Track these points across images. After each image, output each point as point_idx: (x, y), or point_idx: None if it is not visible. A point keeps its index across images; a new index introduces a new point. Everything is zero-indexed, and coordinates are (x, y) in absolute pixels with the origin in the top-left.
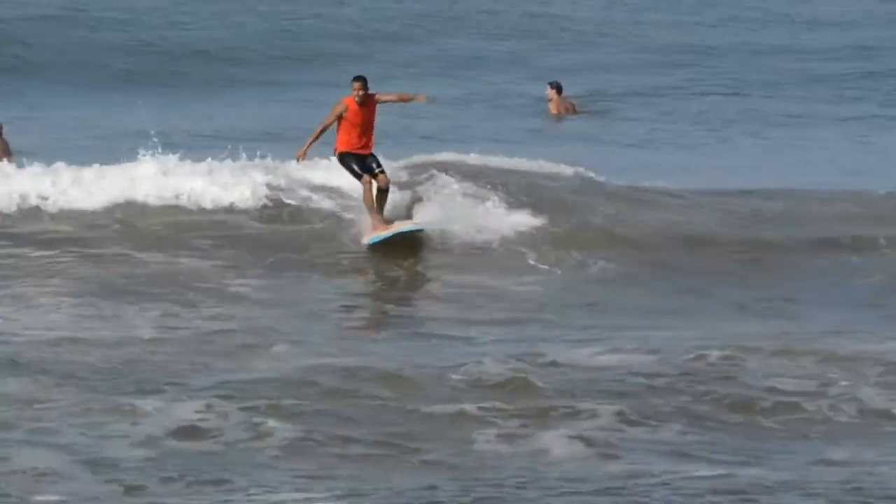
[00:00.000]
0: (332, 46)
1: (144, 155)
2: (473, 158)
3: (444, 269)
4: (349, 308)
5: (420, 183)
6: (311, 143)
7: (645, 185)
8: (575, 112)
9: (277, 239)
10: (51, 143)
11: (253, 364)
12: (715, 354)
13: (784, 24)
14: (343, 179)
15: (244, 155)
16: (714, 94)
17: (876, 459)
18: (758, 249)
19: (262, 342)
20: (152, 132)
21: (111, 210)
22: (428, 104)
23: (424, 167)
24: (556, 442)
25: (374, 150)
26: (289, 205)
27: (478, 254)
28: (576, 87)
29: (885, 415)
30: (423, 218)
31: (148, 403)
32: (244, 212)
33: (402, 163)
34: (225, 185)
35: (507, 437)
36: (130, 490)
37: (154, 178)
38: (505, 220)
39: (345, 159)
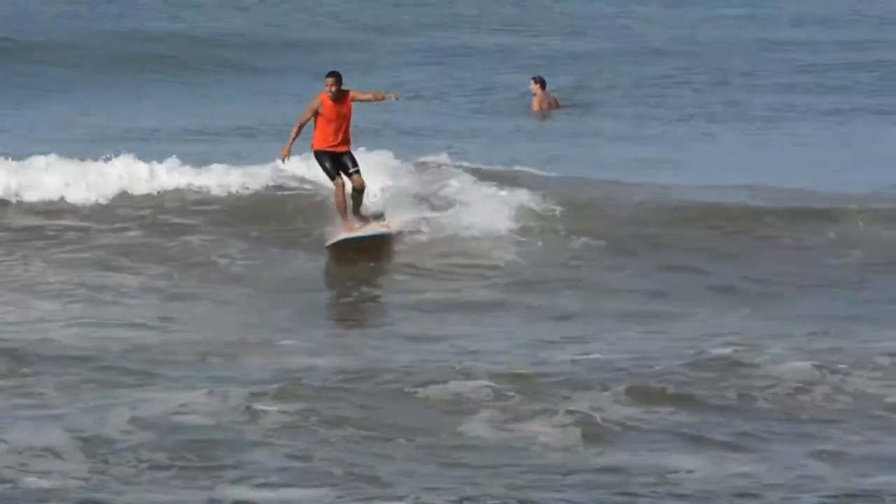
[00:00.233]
0: (318, 35)
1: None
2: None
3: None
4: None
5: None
6: (292, 141)
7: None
8: (558, 107)
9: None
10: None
11: (255, 350)
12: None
13: (769, 19)
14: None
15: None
16: (699, 87)
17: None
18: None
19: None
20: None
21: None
22: (398, 101)
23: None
24: (550, 430)
25: (350, 149)
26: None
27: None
28: (560, 78)
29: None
30: (403, 218)
31: (148, 388)
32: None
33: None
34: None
35: (502, 424)
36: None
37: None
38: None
39: (319, 157)
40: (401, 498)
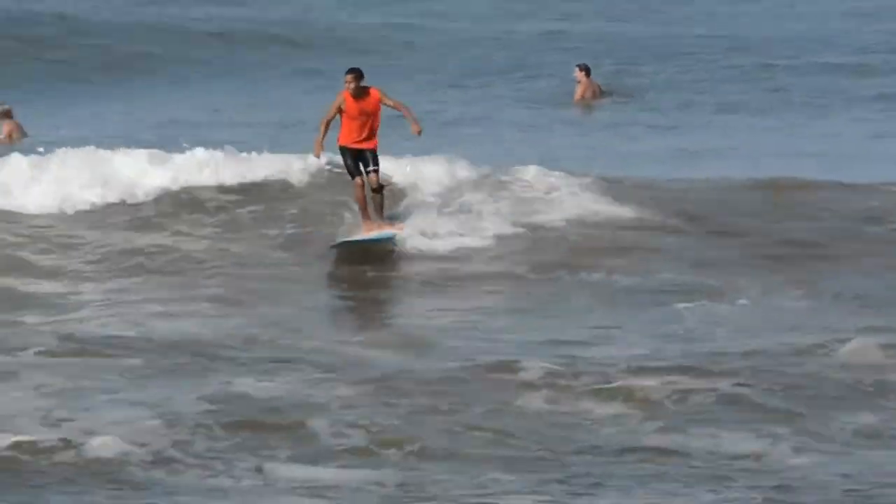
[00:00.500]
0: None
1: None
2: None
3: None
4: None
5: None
6: (321, 138)
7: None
8: (602, 95)
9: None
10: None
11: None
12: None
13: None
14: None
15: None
16: (744, 75)
17: None
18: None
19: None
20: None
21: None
22: (417, 135)
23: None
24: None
25: (375, 146)
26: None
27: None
28: (604, 67)
29: None
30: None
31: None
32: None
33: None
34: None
35: (561, 403)
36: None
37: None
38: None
39: (342, 153)
40: (468, 473)
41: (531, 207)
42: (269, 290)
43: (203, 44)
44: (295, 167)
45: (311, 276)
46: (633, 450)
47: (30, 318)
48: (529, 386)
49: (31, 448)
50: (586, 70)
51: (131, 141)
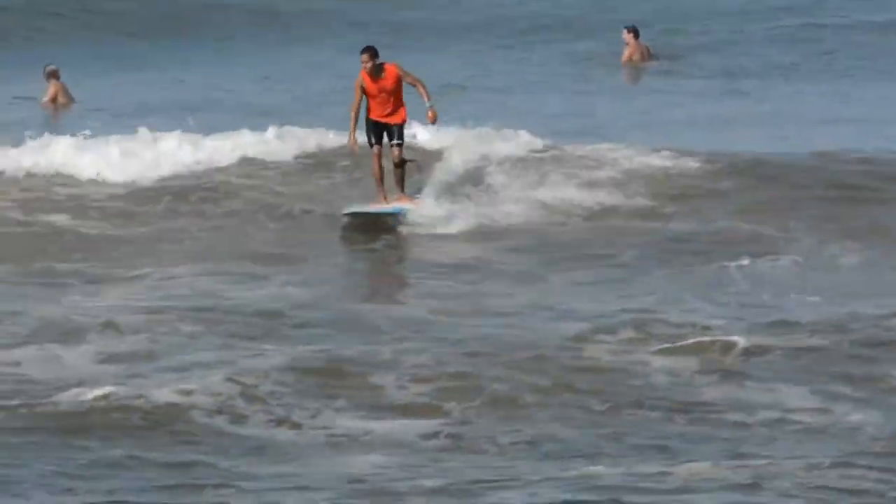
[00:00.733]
0: None
1: None
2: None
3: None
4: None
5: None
6: (353, 127)
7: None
8: (650, 57)
9: None
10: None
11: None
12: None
13: None
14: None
15: None
16: (791, 41)
17: None
18: None
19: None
20: None
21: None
22: (431, 123)
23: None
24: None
25: (401, 121)
26: None
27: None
28: (652, 28)
29: None
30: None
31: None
32: None
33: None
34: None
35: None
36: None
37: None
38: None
39: (366, 125)
40: (526, 428)
41: (579, 177)
42: (329, 257)
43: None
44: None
45: (372, 245)
46: (695, 407)
47: (98, 288)
48: (594, 343)
49: (104, 401)
50: (635, 32)
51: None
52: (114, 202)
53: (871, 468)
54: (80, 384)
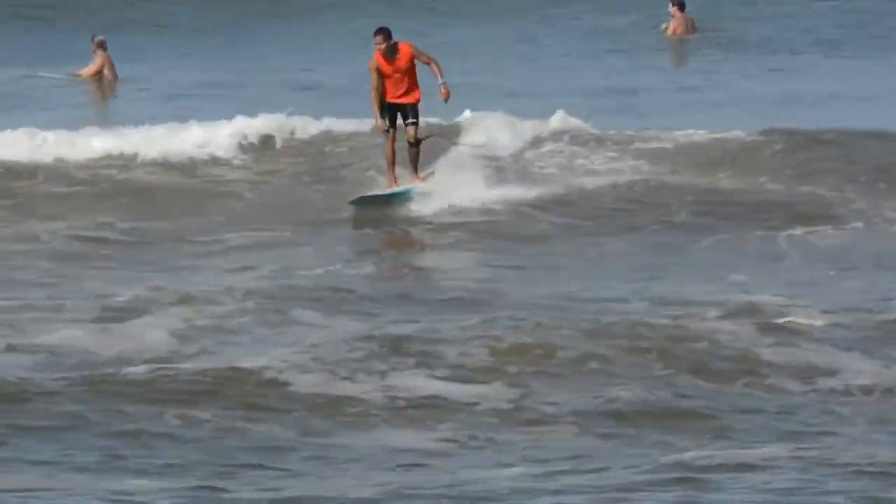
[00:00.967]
0: None
1: None
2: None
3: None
4: None
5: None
6: (378, 111)
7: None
8: (695, 31)
9: None
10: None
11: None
12: None
13: None
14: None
15: None
16: (839, 12)
17: None
18: None
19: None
20: None
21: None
22: (444, 100)
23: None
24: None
25: (415, 100)
26: None
27: None
28: (696, 1)
29: None
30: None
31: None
32: None
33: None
34: None
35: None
36: None
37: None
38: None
39: (381, 107)
40: (589, 392)
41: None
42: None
43: None
44: None
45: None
46: (754, 375)
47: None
48: (647, 311)
49: (172, 372)
50: (680, 5)
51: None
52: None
53: None
54: (153, 357)
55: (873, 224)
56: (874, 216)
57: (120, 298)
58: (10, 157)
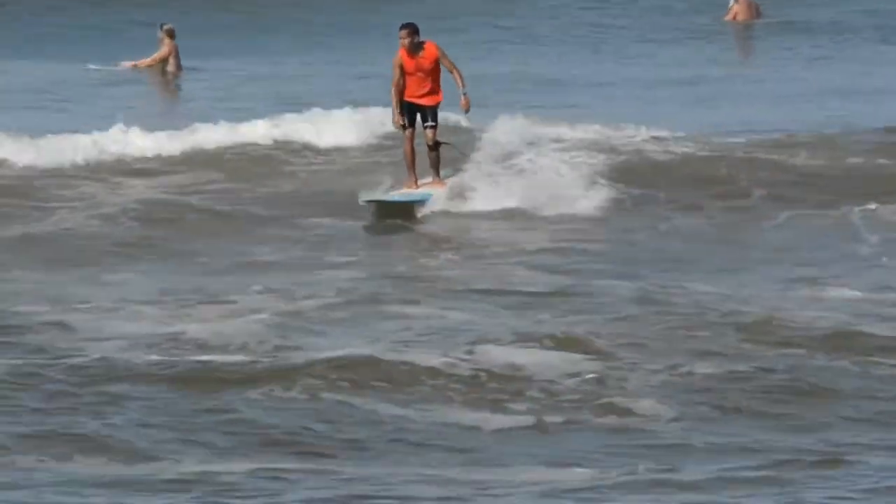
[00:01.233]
0: None
1: None
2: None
3: None
4: None
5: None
6: (396, 106)
7: None
8: (759, 16)
9: None
10: None
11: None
12: None
13: None
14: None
15: None
16: None
17: None
18: None
19: None
20: None
21: None
22: (464, 112)
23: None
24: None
25: (436, 103)
26: None
27: None
28: None
29: None
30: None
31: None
32: None
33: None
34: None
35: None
36: None
37: None
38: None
39: (401, 106)
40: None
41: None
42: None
43: None
44: None
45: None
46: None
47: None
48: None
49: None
50: None
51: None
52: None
53: None
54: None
55: None
56: None
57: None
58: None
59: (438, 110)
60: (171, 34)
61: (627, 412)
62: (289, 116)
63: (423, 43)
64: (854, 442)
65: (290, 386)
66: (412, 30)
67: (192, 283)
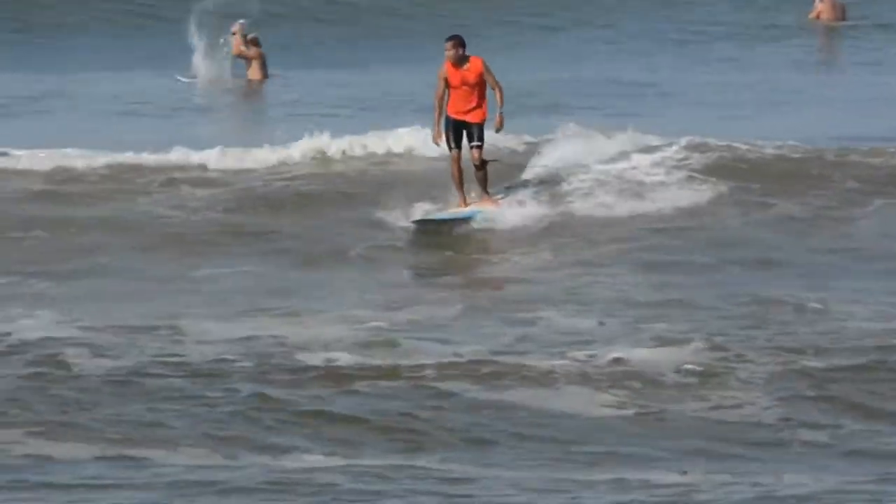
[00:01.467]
0: None
1: None
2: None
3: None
4: None
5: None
6: (437, 119)
7: None
8: (844, 18)
9: None
10: None
11: None
12: None
13: None
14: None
15: None
16: None
17: None
18: None
19: None
20: None
21: None
22: (495, 131)
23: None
24: None
25: (481, 120)
26: None
27: None
28: None
29: None
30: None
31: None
32: None
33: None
34: None
35: None
36: None
37: None
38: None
39: (445, 123)
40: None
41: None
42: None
43: None
44: None
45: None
46: None
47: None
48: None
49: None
50: None
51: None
52: None
53: None
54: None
55: None
56: None
57: None
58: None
59: (484, 128)
60: (256, 42)
61: (737, 406)
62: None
63: (468, 56)
64: None
65: (413, 383)
66: (457, 42)
67: (312, 280)
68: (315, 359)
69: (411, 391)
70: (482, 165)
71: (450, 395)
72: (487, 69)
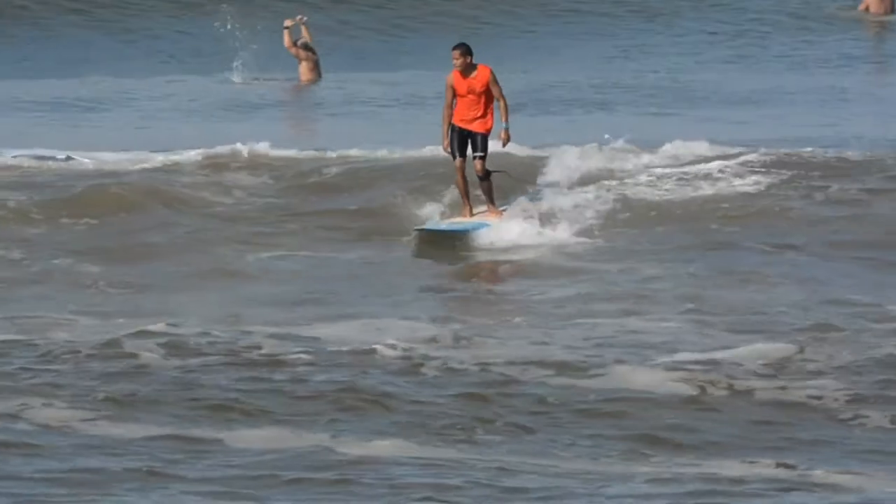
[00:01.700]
0: None
1: None
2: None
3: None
4: None
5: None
6: (446, 129)
7: None
8: (893, 11)
9: None
10: None
11: None
12: None
13: None
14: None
15: None
16: None
17: None
18: None
19: None
20: None
21: None
22: (502, 145)
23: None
24: None
25: (485, 130)
26: None
27: None
28: None
29: None
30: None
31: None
32: None
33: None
34: None
35: None
36: None
37: None
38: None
39: (450, 131)
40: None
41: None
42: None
43: None
44: None
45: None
46: None
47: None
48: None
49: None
50: None
51: None
52: None
53: None
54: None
55: None
56: None
57: None
58: None
59: (489, 139)
60: (306, 47)
61: (814, 397)
62: None
63: (476, 65)
64: None
65: (478, 377)
66: (464, 50)
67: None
68: (384, 348)
69: (475, 383)
70: (486, 176)
71: (517, 383)
72: (494, 80)
